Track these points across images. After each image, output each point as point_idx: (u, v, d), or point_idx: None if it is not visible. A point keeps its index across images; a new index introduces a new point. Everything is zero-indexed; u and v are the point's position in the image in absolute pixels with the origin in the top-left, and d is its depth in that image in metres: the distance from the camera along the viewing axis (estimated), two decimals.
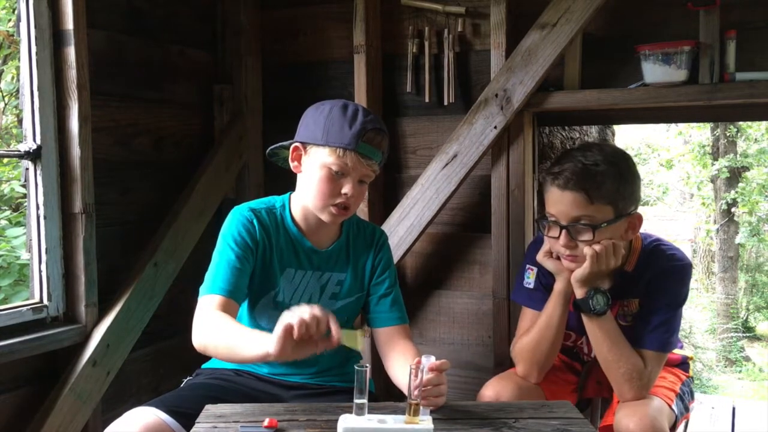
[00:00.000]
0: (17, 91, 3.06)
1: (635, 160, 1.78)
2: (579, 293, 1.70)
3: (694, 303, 10.52)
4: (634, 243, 1.78)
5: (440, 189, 2.31)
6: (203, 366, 1.89)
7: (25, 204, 2.14)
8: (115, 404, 2.15)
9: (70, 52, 1.96)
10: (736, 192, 10.94)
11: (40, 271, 1.99)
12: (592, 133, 3.50)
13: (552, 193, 1.69)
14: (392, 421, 1.32)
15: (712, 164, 11.37)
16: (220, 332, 1.54)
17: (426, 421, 1.32)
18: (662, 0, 2.16)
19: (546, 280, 1.85)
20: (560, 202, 1.67)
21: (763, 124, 10.41)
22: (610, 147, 1.76)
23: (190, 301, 1.69)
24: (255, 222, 1.69)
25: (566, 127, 2.71)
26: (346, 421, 1.31)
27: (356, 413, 1.32)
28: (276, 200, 1.78)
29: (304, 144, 1.69)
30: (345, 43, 2.49)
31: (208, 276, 1.65)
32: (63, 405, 1.95)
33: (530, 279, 1.88)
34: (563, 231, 1.67)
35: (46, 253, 1.98)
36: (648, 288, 1.75)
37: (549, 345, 1.78)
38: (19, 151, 1.95)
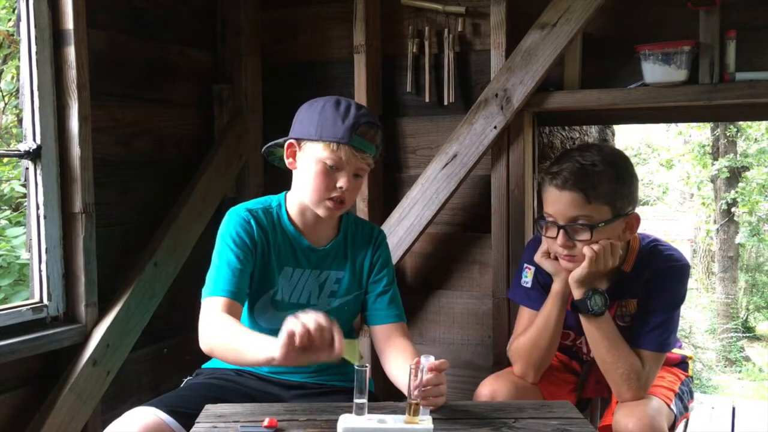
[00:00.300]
0: (17, 90, 3.06)
1: (635, 160, 1.79)
2: (577, 294, 1.70)
3: (694, 303, 10.52)
4: (632, 243, 1.78)
5: (440, 189, 2.31)
6: (203, 366, 1.89)
7: (25, 204, 2.14)
8: (115, 404, 2.15)
9: (70, 52, 1.96)
10: (736, 192, 10.94)
11: (40, 271, 1.99)
12: (592, 133, 3.50)
13: (550, 192, 1.69)
14: (392, 420, 1.32)
15: (712, 164, 11.37)
16: (226, 336, 1.54)
17: (426, 420, 1.32)
18: (662, 0, 2.16)
19: (544, 279, 1.85)
20: (558, 201, 1.67)
21: (763, 124, 10.41)
22: (609, 147, 1.77)
23: (190, 300, 1.70)
24: (252, 222, 1.70)
25: (566, 127, 2.71)
26: (345, 421, 1.31)
27: (356, 413, 1.32)
28: (272, 199, 1.79)
29: (299, 140, 1.70)
30: (345, 43, 2.49)
31: (210, 278, 1.65)
32: (63, 405, 1.95)
33: (528, 278, 1.89)
34: (561, 231, 1.67)
35: (46, 252, 1.98)
36: (646, 288, 1.75)
37: (546, 345, 1.78)
38: (19, 150, 1.95)
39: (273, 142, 1.78)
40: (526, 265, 1.90)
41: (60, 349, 1.99)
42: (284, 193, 1.80)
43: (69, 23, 1.95)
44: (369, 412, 1.34)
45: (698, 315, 10.29)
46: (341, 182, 1.64)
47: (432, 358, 1.40)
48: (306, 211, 1.74)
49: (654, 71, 2.06)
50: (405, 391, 1.36)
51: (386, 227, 2.38)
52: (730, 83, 2.02)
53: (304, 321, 1.31)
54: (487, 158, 2.31)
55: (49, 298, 1.99)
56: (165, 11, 2.38)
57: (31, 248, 2.00)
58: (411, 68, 2.43)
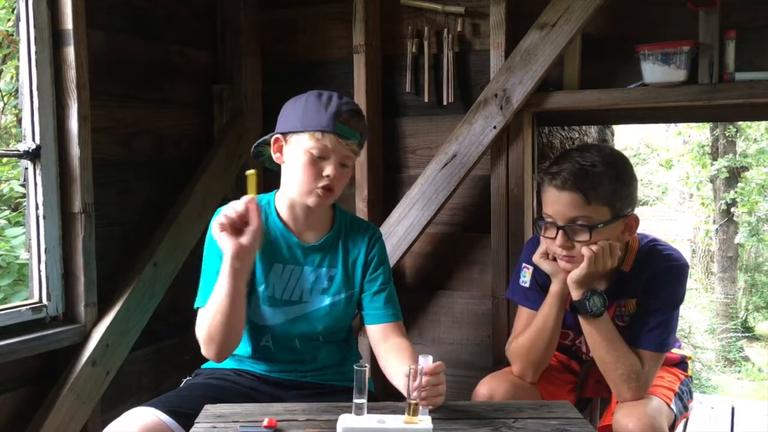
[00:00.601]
0: (16, 90, 3.06)
1: (634, 160, 1.80)
2: (576, 295, 1.70)
3: (693, 303, 10.53)
4: (631, 243, 1.78)
5: (439, 189, 2.31)
6: (203, 366, 1.89)
7: (25, 204, 2.14)
8: (115, 404, 2.15)
9: (70, 52, 1.96)
10: (736, 192, 10.94)
11: (39, 271, 1.99)
12: (592, 133, 3.50)
13: (549, 193, 1.69)
14: (391, 420, 1.32)
15: (712, 164, 11.37)
16: (211, 315, 1.59)
17: (425, 420, 1.32)
18: (661, 0, 2.17)
19: (542, 279, 1.85)
20: (557, 202, 1.67)
21: (763, 124, 10.41)
22: (608, 148, 1.77)
23: (189, 300, 1.69)
24: None
25: (565, 127, 2.71)
26: (345, 421, 1.31)
27: (356, 413, 1.32)
28: (262, 198, 1.80)
29: (284, 134, 1.73)
30: (344, 43, 2.49)
31: (200, 288, 1.70)
32: (62, 405, 1.95)
33: (526, 278, 1.89)
34: (560, 231, 1.67)
35: (46, 252, 1.98)
36: (645, 288, 1.75)
37: (544, 346, 1.78)
38: (19, 150, 1.95)
39: (260, 140, 1.82)
40: (524, 264, 1.90)
41: (59, 349, 1.99)
42: (274, 192, 1.81)
43: (68, 23, 1.95)
44: (368, 412, 1.34)
45: (698, 315, 10.29)
46: (328, 170, 1.67)
47: (430, 359, 1.40)
48: (295, 207, 1.75)
49: (653, 71, 2.06)
50: (402, 390, 1.36)
51: (386, 227, 2.38)
52: (729, 83, 2.02)
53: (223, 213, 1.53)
54: (486, 158, 2.31)
55: (49, 298, 1.99)
56: (165, 11, 2.38)
57: (30, 248, 2.00)
58: (410, 68, 2.43)
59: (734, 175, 11.18)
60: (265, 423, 1.37)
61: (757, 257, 12.23)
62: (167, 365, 2.40)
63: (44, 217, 1.97)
